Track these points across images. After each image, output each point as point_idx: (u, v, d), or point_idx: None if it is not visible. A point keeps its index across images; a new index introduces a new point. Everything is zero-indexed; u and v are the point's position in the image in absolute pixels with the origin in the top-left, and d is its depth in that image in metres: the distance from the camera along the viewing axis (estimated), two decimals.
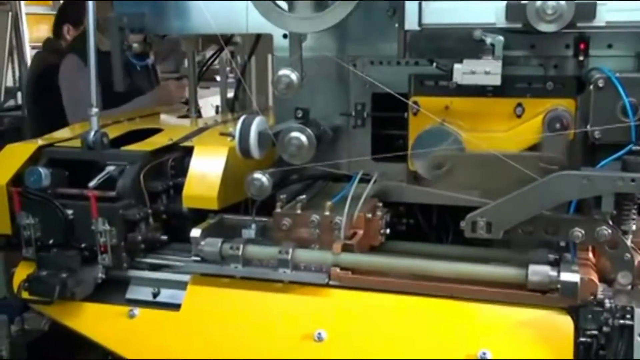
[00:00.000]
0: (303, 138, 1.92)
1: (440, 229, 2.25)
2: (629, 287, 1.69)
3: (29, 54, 5.63)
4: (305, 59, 1.97)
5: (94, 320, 2.01)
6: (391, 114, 2.07)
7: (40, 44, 4.34)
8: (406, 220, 2.24)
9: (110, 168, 2.12)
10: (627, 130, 1.70)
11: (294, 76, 1.90)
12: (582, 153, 1.85)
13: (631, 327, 1.54)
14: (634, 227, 1.72)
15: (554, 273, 1.67)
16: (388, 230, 2.04)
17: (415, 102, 1.96)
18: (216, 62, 3.13)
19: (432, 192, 1.96)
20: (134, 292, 2.06)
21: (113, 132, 2.33)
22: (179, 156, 2.22)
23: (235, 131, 1.94)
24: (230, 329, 1.87)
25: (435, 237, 2.25)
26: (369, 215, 1.97)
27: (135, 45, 2.43)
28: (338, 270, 1.85)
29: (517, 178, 1.72)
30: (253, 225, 2.04)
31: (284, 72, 1.91)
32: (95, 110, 2.17)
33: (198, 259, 1.98)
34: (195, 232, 1.99)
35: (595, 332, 1.60)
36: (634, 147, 1.70)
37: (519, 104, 1.90)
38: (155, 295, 2.04)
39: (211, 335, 1.88)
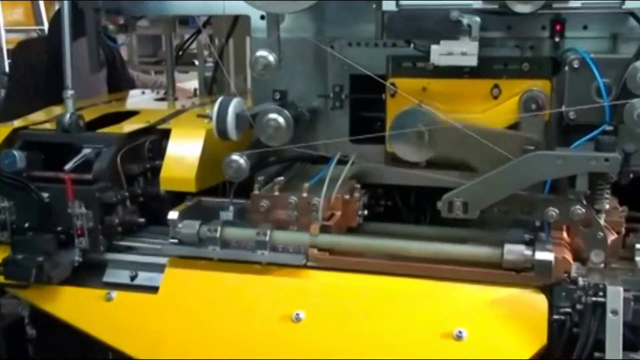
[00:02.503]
0: (280, 120, 1.92)
1: (419, 210, 2.26)
2: (602, 265, 1.72)
3: (4, 37, 5.56)
4: (282, 41, 1.96)
5: (71, 304, 2.00)
6: (369, 95, 2.07)
7: (18, 28, 4.27)
8: (384, 201, 2.25)
9: (86, 151, 2.11)
10: (601, 110, 1.72)
11: (271, 57, 1.89)
12: (557, 133, 1.87)
13: (603, 305, 1.56)
14: (607, 207, 1.74)
15: (528, 252, 1.69)
16: (366, 212, 2.05)
17: (392, 84, 1.96)
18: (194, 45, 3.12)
19: (410, 174, 1.98)
20: (112, 275, 2.05)
21: (89, 115, 2.30)
22: (156, 139, 2.21)
23: (212, 113, 1.93)
24: (208, 311, 1.87)
25: (414, 218, 2.26)
26: (347, 197, 1.97)
27: (111, 27, 2.41)
28: (316, 251, 1.86)
29: (495, 155, 1.72)
30: (231, 207, 2.03)
31: (261, 53, 1.90)
32: (70, 92, 2.15)
33: (176, 241, 1.98)
34: (173, 215, 1.98)
35: (568, 310, 1.63)
36: (608, 128, 1.72)
37: (496, 85, 1.91)
38: (132, 278, 2.03)
39: (189, 318, 1.88)
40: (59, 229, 2.03)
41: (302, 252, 1.87)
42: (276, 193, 1.95)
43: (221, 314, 1.86)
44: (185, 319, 1.88)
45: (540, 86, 1.86)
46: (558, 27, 1.88)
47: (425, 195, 2.21)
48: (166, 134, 2.16)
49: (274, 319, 1.80)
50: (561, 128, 1.85)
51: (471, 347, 1.66)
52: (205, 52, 3.18)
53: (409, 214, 2.27)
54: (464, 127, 1.77)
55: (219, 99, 1.95)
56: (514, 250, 1.70)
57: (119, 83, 3.37)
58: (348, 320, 1.76)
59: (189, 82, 3.54)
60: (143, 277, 2.03)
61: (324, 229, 1.87)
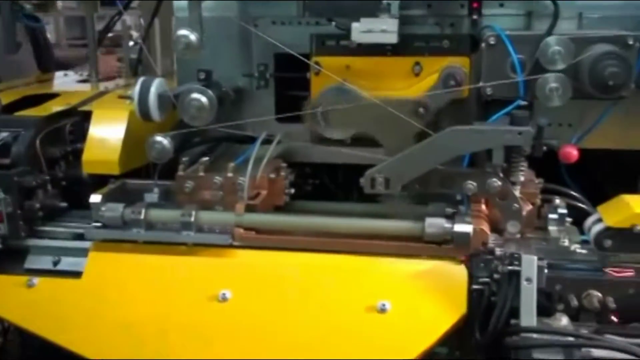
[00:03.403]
0: (204, 99, 1.90)
1: (347, 187, 2.28)
2: (518, 235, 1.78)
3: None
4: (206, 20, 1.93)
5: None
6: (294, 74, 2.07)
7: None
8: (313, 180, 2.27)
9: (3, 134, 2.04)
10: (515, 86, 1.77)
11: (193, 37, 1.87)
12: (477, 109, 1.92)
13: (518, 273, 1.61)
14: (522, 179, 1.80)
15: (448, 225, 1.74)
16: (293, 190, 2.06)
17: (316, 62, 1.97)
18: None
19: (336, 152, 1.99)
20: (33, 262, 1.99)
21: (7, 98, 2.23)
22: (77, 121, 2.15)
23: (134, 94, 1.90)
24: (134, 294, 1.85)
25: (343, 196, 2.28)
26: (273, 176, 1.97)
27: (28, 5, 2.33)
28: (241, 230, 1.86)
29: (394, 123, 1.77)
30: (155, 189, 2.01)
31: (182, 32, 1.87)
32: None
33: (99, 225, 1.94)
34: (95, 198, 1.94)
35: (487, 280, 1.67)
36: (522, 102, 1.77)
37: (417, 63, 1.94)
38: (55, 263, 1.98)
39: (114, 301, 1.85)
40: None
41: (228, 232, 1.87)
42: (201, 173, 1.93)
43: (147, 296, 1.84)
44: (110, 303, 1.85)
45: (459, 63, 1.90)
46: (476, 5, 1.92)
47: (354, 173, 2.23)
48: (88, 116, 2.11)
49: (200, 300, 1.80)
50: (480, 103, 1.90)
51: (394, 318, 1.70)
52: (136, 34, 3.12)
53: (337, 191, 2.29)
54: (361, 96, 1.79)
55: (140, 80, 1.91)
56: (434, 224, 1.75)
57: (47, 64, 3.26)
58: (274, 297, 1.77)
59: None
60: (66, 263, 1.98)
61: (250, 208, 1.87)
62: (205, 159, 2.00)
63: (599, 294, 1.64)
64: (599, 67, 1.68)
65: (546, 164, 1.94)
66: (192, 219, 1.86)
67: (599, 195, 1.90)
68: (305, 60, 1.95)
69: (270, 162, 1.98)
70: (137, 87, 1.89)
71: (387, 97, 1.86)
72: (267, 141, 2.05)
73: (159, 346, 1.77)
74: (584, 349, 1.50)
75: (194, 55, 1.89)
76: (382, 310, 1.70)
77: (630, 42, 1.72)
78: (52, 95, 2.34)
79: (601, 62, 1.68)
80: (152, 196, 2.00)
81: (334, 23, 1.92)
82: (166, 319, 1.81)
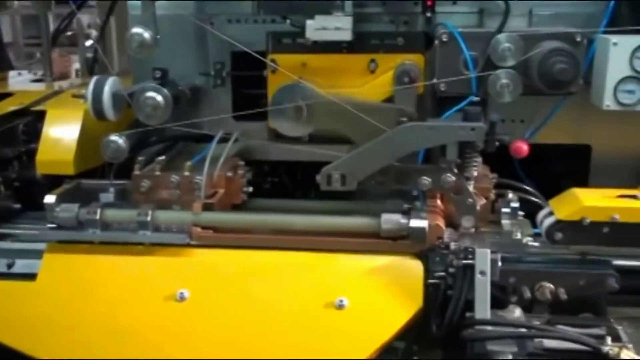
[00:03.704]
0: (159, 98, 1.89)
1: (306, 185, 2.29)
2: (473, 230, 1.81)
3: None
4: (161, 18, 1.93)
5: None
6: (251, 72, 2.07)
7: None
8: (271, 178, 2.27)
9: None
10: (468, 82, 1.80)
11: (146, 35, 1.86)
12: (432, 106, 1.94)
13: (473, 266, 1.63)
14: (476, 174, 1.83)
15: (404, 220, 1.75)
16: (251, 189, 2.06)
17: (273, 60, 1.97)
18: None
19: (294, 149, 2.00)
20: None
21: None
22: (31, 121, 2.13)
23: (87, 93, 1.88)
24: (90, 296, 1.82)
25: (302, 194, 2.29)
26: (230, 174, 1.97)
27: None
28: (199, 229, 1.85)
29: (371, 127, 1.77)
30: (111, 189, 1.99)
31: (136, 30, 1.86)
32: None
33: (54, 226, 1.91)
34: (50, 198, 1.91)
35: (442, 274, 1.69)
36: (475, 99, 1.80)
37: (373, 60, 1.96)
38: (9, 266, 1.95)
39: (70, 303, 1.82)
40: None
41: (185, 231, 1.86)
42: (157, 172, 1.92)
43: (103, 297, 1.82)
44: (65, 305, 1.82)
45: (414, 60, 1.93)
46: (429, 3, 1.94)
47: (312, 170, 2.24)
48: (42, 115, 2.08)
49: (157, 300, 1.78)
50: (435, 100, 1.92)
51: (352, 314, 1.71)
52: (95, 33, 3.08)
53: (296, 189, 2.30)
54: (341, 101, 1.80)
55: (94, 78, 1.89)
56: (391, 220, 1.76)
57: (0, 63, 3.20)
58: (232, 296, 1.77)
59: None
60: (21, 265, 1.95)
61: (207, 207, 1.87)
62: (162, 157, 1.98)
63: (551, 286, 1.67)
64: (547, 64, 1.72)
65: (503, 159, 1.98)
66: (149, 218, 1.84)
67: (555, 189, 1.94)
68: (262, 58, 1.95)
69: (227, 161, 1.98)
70: (91, 86, 1.88)
71: (371, 103, 1.86)
72: (225, 140, 2.04)
73: (116, 347, 1.76)
74: (536, 340, 1.54)
75: (148, 54, 1.88)
76: (340, 306, 1.71)
77: (578, 39, 1.76)
78: (5, 95, 2.30)
79: (550, 58, 1.72)
80: (108, 196, 1.98)
81: (288, 21, 1.93)
82: (123, 320, 1.79)
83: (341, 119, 1.82)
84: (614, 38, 1.77)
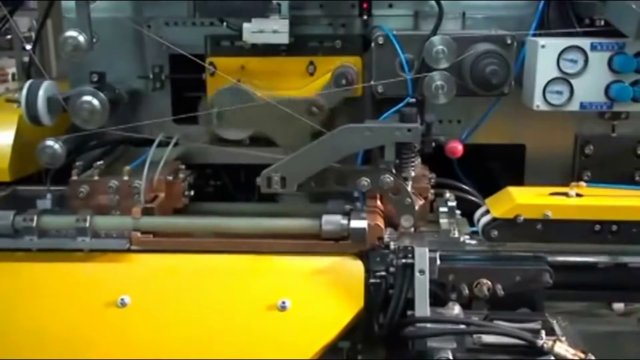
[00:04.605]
0: (95, 102, 1.86)
1: (248, 188, 2.28)
2: (412, 229, 1.84)
3: None
4: (98, 20, 1.90)
5: None
6: (189, 75, 2.06)
7: None
8: (214, 181, 2.26)
9: None
10: (404, 84, 1.83)
11: (81, 38, 1.83)
12: (370, 107, 1.97)
13: (412, 265, 1.66)
14: (413, 174, 1.86)
15: (344, 221, 1.77)
16: (192, 192, 2.05)
17: (211, 63, 1.97)
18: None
19: (235, 152, 2.00)
20: None
21: None
22: None
23: (21, 97, 1.84)
24: (28, 304, 1.78)
25: (244, 197, 2.29)
26: (170, 178, 1.96)
27: None
28: (139, 234, 1.83)
29: (289, 122, 1.81)
30: (48, 195, 1.95)
31: (70, 33, 1.83)
32: None
33: None
34: None
35: (383, 273, 1.71)
36: (411, 100, 1.83)
37: (311, 62, 1.97)
38: None
39: (8, 312, 1.78)
40: None
41: (125, 236, 1.84)
42: (96, 178, 1.90)
43: (42, 305, 1.77)
44: (3, 314, 1.77)
45: (352, 62, 1.95)
46: (365, 5, 1.97)
47: (255, 173, 2.24)
48: None
49: (98, 306, 1.75)
50: (374, 102, 1.95)
51: (294, 315, 1.71)
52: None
53: (239, 192, 2.29)
54: (255, 96, 1.82)
55: (28, 83, 1.85)
56: (331, 221, 1.78)
57: None
58: (174, 300, 1.75)
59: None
60: None
61: (147, 212, 1.85)
62: (100, 162, 1.96)
63: (489, 282, 1.71)
64: (479, 66, 1.76)
65: (442, 160, 2.02)
66: (88, 224, 1.81)
67: (494, 187, 1.98)
68: (200, 61, 1.94)
69: (167, 165, 1.97)
70: (25, 90, 1.84)
71: (281, 97, 1.88)
72: (165, 143, 2.03)
73: (57, 355, 1.72)
74: (475, 336, 1.57)
75: (83, 57, 1.85)
76: (283, 308, 1.72)
77: (509, 42, 1.82)
78: None
79: (481, 60, 1.76)
80: (45, 202, 1.94)
81: (225, 23, 1.92)
82: (63, 327, 1.75)
83: (269, 122, 1.84)
84: (542, 40, 1.83)
